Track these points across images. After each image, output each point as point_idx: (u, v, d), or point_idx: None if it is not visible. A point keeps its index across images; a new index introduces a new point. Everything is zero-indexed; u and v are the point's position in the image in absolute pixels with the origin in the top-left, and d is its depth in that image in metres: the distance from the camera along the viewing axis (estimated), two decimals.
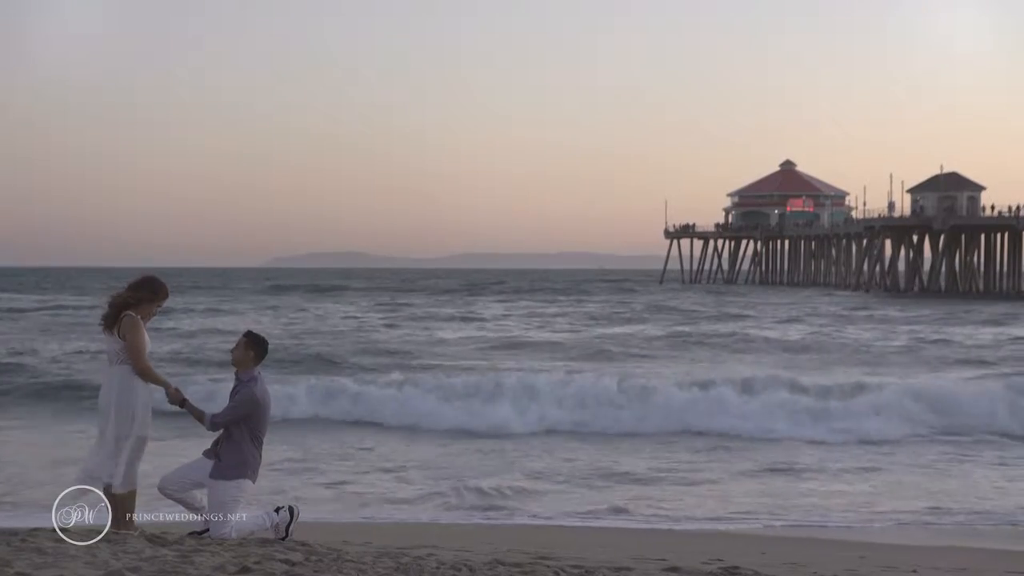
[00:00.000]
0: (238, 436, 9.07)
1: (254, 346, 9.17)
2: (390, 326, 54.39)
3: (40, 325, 52.41)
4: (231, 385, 9.34)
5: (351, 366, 33.58)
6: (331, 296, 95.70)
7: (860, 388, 25.63)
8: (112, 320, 9.06)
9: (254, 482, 9.20)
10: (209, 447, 9.20)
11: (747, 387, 25.00)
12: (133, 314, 9.05)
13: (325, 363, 34.34)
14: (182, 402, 9.10)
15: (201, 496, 9.15)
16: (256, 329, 9.93)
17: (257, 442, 9.14)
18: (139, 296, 9.13)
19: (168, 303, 9.64)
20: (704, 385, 25.12)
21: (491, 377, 25.93)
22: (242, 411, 9.06)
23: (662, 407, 23.36)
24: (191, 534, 8.95)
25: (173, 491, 9.10)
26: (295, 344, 40.23)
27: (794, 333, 49.67)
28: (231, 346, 9.54)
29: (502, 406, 23.26)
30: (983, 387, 25.53)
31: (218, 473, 9.03)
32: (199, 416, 9.12)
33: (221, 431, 9.14)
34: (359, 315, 64.94)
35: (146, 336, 9.09)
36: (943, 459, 19.44)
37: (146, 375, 9.03)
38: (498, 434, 21.70)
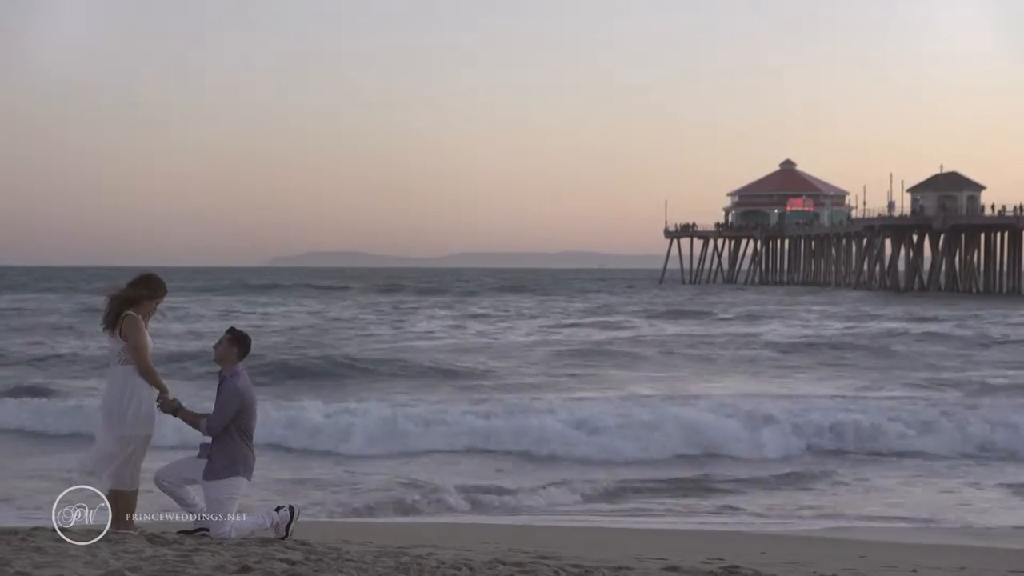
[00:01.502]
0: (228, 433, 9.07)
1: (237, 343, 9.20)
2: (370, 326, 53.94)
3: None
4: (213, 387, 9.36)
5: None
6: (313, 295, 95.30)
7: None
8: (113, 320, 9.05)
9: (249, 479, 9.20)
10: (203, 447, 9.21)
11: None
12: (134, 314, 9.05)
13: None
14: (176, 411, 9.11)
15: (195, 494, 9.15)
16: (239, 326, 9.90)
17: (246, 437, 9.14)
18: (138, 294, 9.13)
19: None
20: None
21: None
22: (231, 409, 9.06)
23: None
24: (180, 532, 8.95)
25: (168, 484, 9.12)
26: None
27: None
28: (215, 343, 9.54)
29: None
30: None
31: (211, 474, 9.04)
32: (195, 422, 9.12)
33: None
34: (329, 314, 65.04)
35: (148, 336, 9.09)
36: None
37: (148, 376, 9.03)
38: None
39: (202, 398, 18.50)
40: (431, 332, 51.00)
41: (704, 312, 68.04)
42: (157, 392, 9.10)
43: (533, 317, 64.62)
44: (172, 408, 9.11)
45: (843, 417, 22.33)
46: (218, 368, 9.31)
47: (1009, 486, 17.46)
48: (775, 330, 51.92)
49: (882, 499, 16.52)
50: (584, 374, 33.76)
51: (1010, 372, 34.63)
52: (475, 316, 65.72)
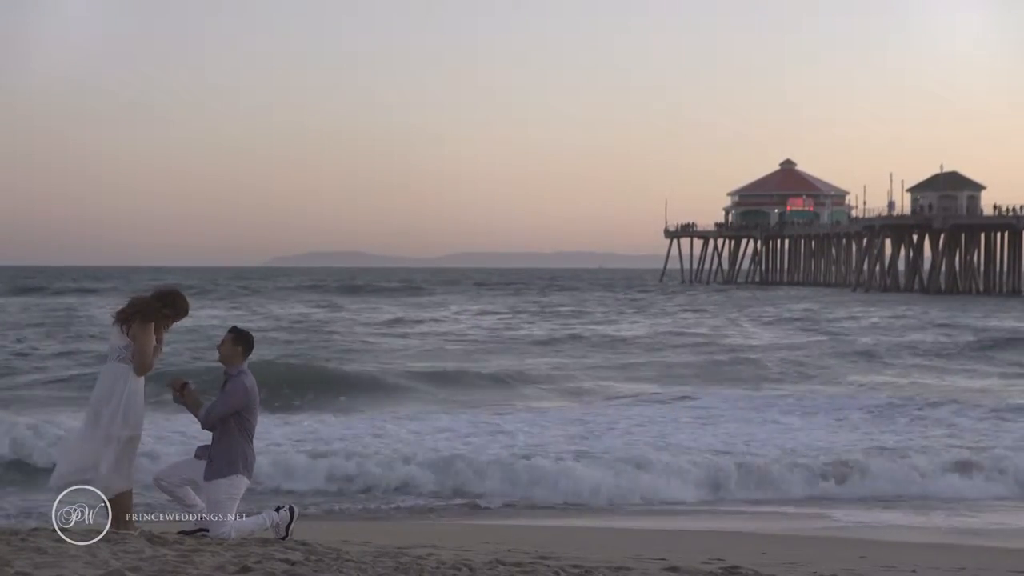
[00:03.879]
0: (228, 432, 9.05)
1: (241, 341, 9.18)
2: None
3: None
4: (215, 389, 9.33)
5: None
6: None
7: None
8: (126, 316, 9.05)
9: (249, 478, 9.19)
10: (200, 448, 9.22)
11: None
12: (148, 319, 9.06)
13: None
14: (183, 386, 9.10)
15: (195, 494, 9.15)
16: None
17: (248, 436, 9.13)
18: (161, 308, 9.13)
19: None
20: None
21: None
22: (233, 404, 9.05)
23: None
24: (180, 533, 8.95)
25: (168, 484, 9.12)
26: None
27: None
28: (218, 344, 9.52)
29: None
30: None
31: (211, 473, 9.03)
32: (195, 407, 9.11)
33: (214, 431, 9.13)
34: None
35: (153, 341, 9.08)
36: None
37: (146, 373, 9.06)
38: None
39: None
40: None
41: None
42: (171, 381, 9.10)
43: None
44: (179, 384, 9.11)
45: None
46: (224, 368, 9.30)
47: None
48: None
49: None
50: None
51: None
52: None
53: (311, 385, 26.69)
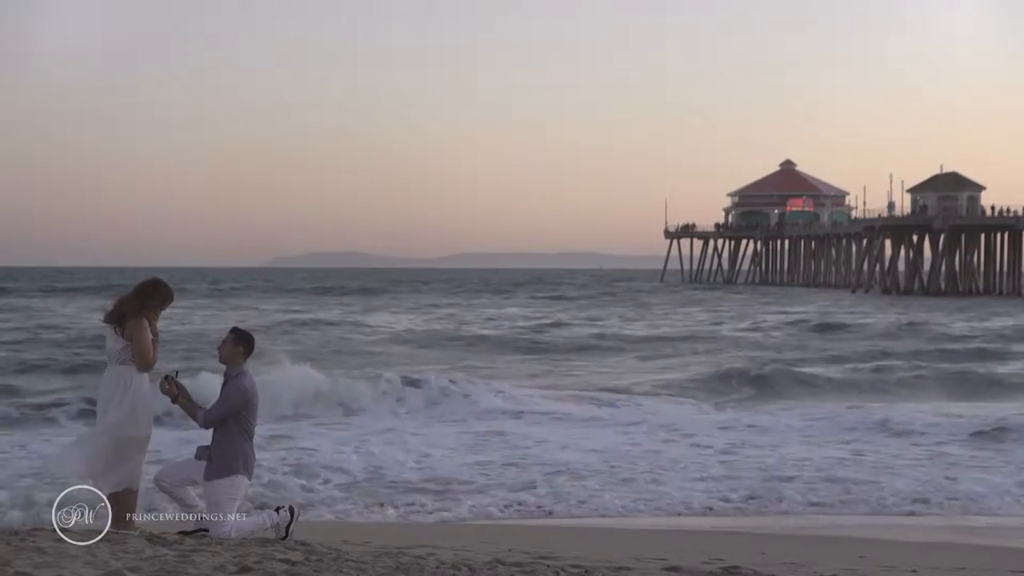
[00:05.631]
0: (229, 432, 9.06)
1: (242, 342, 9.17)
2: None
3: None
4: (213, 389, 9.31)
5: None
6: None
7: None
8: (117, 318, 9.06)
9: (249, 478, 9.20)
10: (200, 449, 9.21)
11: None
12: (139, 316, 9.06)
13: None
14: (176, 397, 9.10)
15: (195, 495, 9.15)
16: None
17: (248, 436, 9.13)
18: (147, 301, 9.13)
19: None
20: None
21: None
22: (232, 405, 9.05)
23: None
24: (180, 533, 8.95)
25: (168, 485, 9.12)
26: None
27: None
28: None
29: None
30: None
31: (211, 473, 9.03)
32: (192, 412, 9.11)
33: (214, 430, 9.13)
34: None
35: (150, 335, 9.09)
36: None
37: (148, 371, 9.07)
38: None
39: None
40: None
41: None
42: (160, 379, 9.09)
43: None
44: (173, 394, 9.10)
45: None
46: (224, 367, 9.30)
47: None
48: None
49: None
50: None
51: None
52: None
53: None
